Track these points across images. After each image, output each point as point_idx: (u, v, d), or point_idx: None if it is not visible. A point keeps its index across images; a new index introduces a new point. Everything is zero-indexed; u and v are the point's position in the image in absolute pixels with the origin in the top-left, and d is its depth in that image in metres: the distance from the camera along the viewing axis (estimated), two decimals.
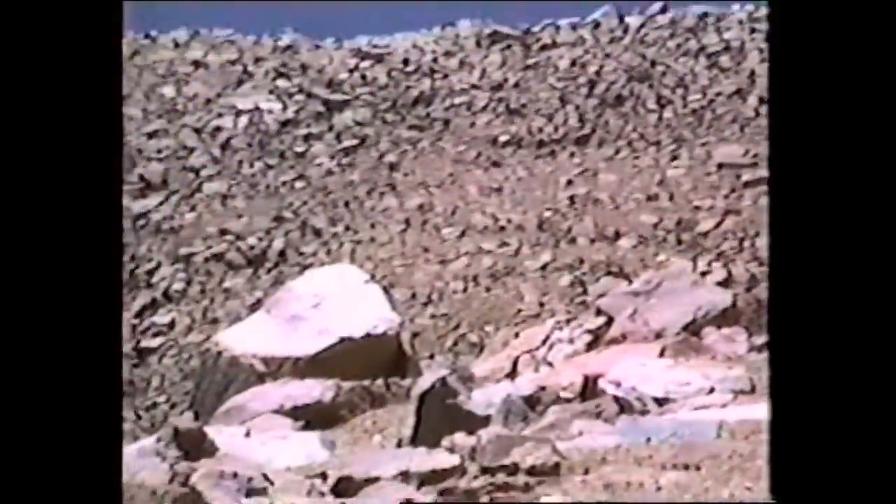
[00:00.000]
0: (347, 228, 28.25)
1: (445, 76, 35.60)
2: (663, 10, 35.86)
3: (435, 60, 36.70)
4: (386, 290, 12.62)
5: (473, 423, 7.19)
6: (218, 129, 33.80)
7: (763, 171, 25.85)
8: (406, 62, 36.69)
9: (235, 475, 5.26)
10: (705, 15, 35.14)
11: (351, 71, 36.93)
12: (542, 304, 21.94)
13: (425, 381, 7.95)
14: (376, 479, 5.43)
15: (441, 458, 5.70)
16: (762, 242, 21.43)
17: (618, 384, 7.83)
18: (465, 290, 23.43)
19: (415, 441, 7.15)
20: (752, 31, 33.62)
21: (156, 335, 25.76)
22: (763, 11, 34.55)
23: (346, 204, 29.53)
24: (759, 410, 6.56)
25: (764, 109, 30.12)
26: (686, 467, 5.32)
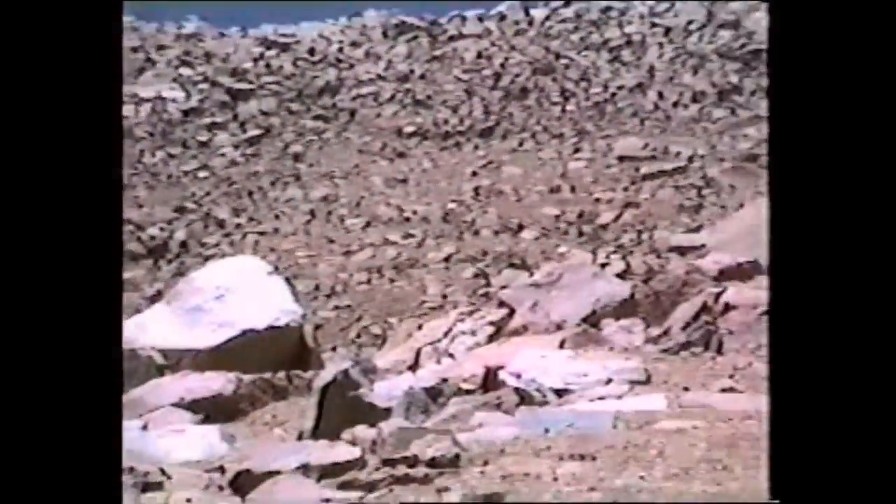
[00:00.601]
0: (251, 219, 28.04)
1: (351, 66, 35.47)
2: (567, 3, 36.21)
3: (341, 50, 36.54)
4: (289, 281, 12.56)
5: (375, 415, 7.21)
6: None
7: (660, 164, 26.27)
8: (312, 52, 36.48)
9: (132, 470, 5.21)
10: (608, 9, 35.56)
11: (256, 60, 36.62)
12: (445, 296, 22.03)
13: (327, 374, 7.94)
14: (276, 473, 5.43)
15: (341, 451, 5.71)
16: (659, 234, 21.78)
17: (518, 376, 7.90)
18: (368, 281, 23.43)
19: (315, 434, 7.15)
20: (653, 25, 34.11)
21: None
22: (663, 6, 35.06)
23: (250, 194, 29.30)
24: (654, 401, 6.67)
25: (662, 104, 30.59)
26: (582, 457, 5.40)
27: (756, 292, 9.43)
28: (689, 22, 33.79)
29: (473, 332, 10.59)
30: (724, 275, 10.69)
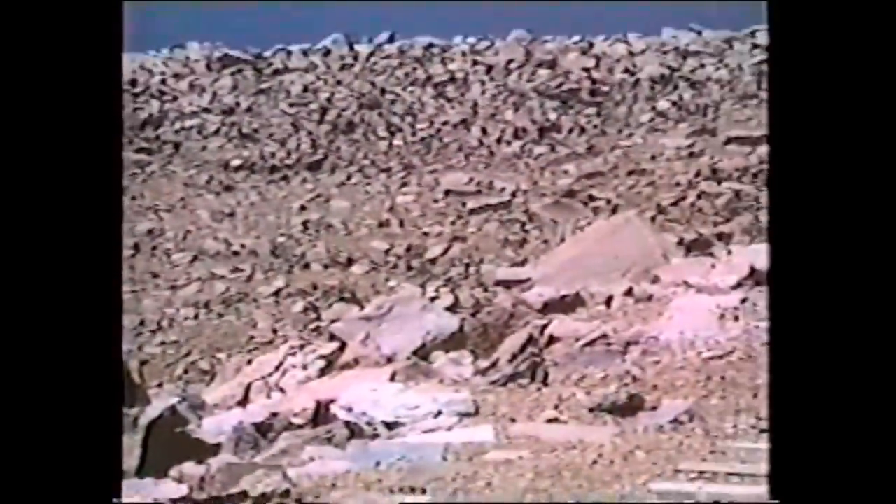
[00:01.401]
0: None
1: (175, 98, 35.01)
2: (391, 40, 36.53)
3: (164, 82, 36.04)
4: None
5: (203, 451, 7.16)
6: None
7: (486, 199, 26.72)
8: (133, 83, 35.87)
9: None
10: (431, 45, 36.02)
11: None
12: (275, 331, 21.89)
13: (153, 410, 7.84)
14: None
15: (168, 489, 5.66)
16: (486, 268, 22.13)
17: (349, 409, 7.95)
18: (196, 316, 23.09)
19: (141, 472, 7.05)
20: (475, 63, 34.72)
21: None
22: (484, 45, 35.71)
23: None
24: (482, 432, 6.82)
25: (486, 139, 31.14)
26: (413, 490, 5.50)
27: (578, 324, 9.70)
28: (510, 61, 34.51)
29: (304, 367, 10.59)
30: (549, 307, 10.96)
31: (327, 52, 35.76)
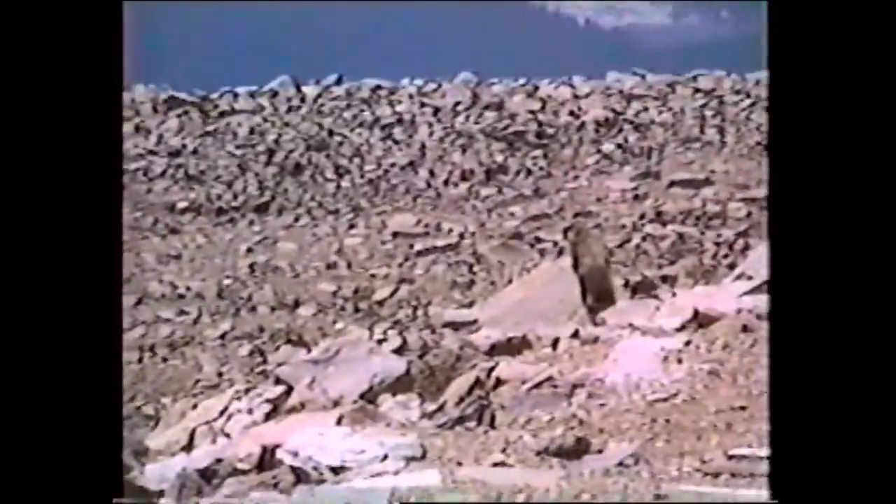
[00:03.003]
0: None
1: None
2: (339, 82, 36.62)
3: None
4: None
5: (146, 498, 7.10)
6: None
7: (433, 240, 26.78)
8: None
9: None
10: (378, 87, 36.15)
11: None
12: (221, 374, 21.73)
13: None
14: None
15: None
16: (434, 310, 22.15)
17: (295, 454, 7.91)
18: (140, 360, 22.88)
19: None
20: (422, 105, 34.88)
21: None
22: (431, 87, 35.92)
23: None
24: (429, 476, 6.82)
25: (434, 181, 31.25)
26: None
27: (525, 366, 9.74)
28: (457, 103, 34.71)
29: (250, 411, 10.53)
30: (496, 349, 11.00)
31: (274, 94, 35.77)
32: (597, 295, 13.66)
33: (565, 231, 14.98)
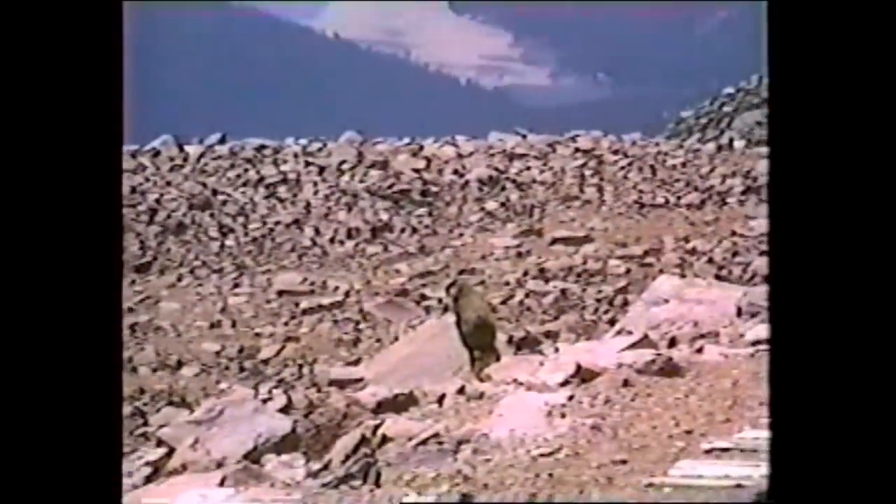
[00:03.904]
0: None
1: None
2: (222, 141, 36.47)
3: None
4: None
5: None
6: None
7: (319, 298, 26.71)
8: None
9: None
10: (263, 147, 36.09)
11: None
12: None
13: None
14: None
15: None
16: (320, 368, 22.05)
17: None
18: None
19: None
20: (307, 163, 34.91)
21: None
22: (316, 146, 35.98)
23: None
24: None
25: (319, 239, 31.23)
26: None
27: (411, 423, 9.78)
28: (342, 161, 34.84)
29: (130, 474, 10.35)
30: (382, 407, 11.02)
31: (156, 154, 35.46)
32: (481, 348, 13.80)
33: (448, 287, 15.09)
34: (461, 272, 27.18)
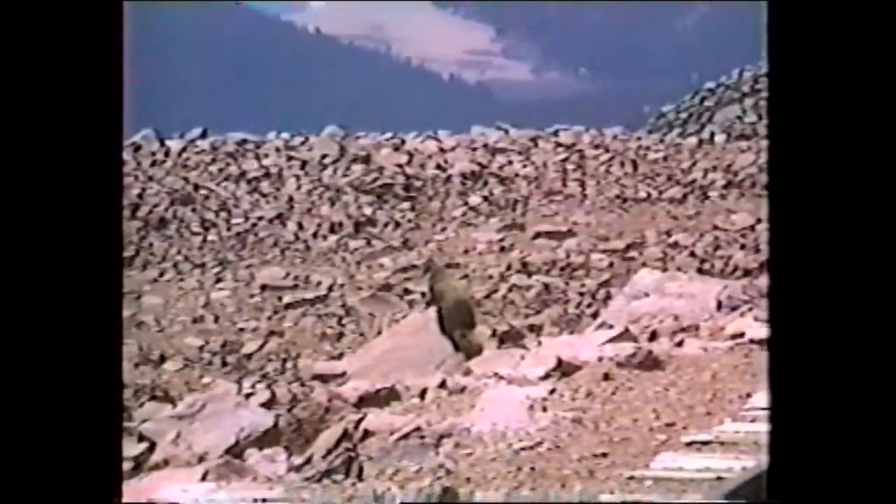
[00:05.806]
0: None
1: None
2: (204, 135, 36.36)
3: None
4: None
5: None
6: None
7: (302, 293, 26.69)
8: None
9: None
10: (244, 141, 36.01)
11: None
12: None
13: None
14: None
15: None
16: (303, 363, 22.04)
17: None
18: None
19: None
20: (290, 158, 34.85)
21: None
22: (298, 140, 35.92)
23: None
24: None
25: (302, 234, 31.19)
26: None
27: (393, 417, 9.80)
28: (324, 156, 34.79)
29: None
30: (364, 401, 11.03)
31: (137, 148, 35.34)
32: (462, 327, 13.81)
33: (425, 270, 15.14)
34: (446, 266, 27.20)
